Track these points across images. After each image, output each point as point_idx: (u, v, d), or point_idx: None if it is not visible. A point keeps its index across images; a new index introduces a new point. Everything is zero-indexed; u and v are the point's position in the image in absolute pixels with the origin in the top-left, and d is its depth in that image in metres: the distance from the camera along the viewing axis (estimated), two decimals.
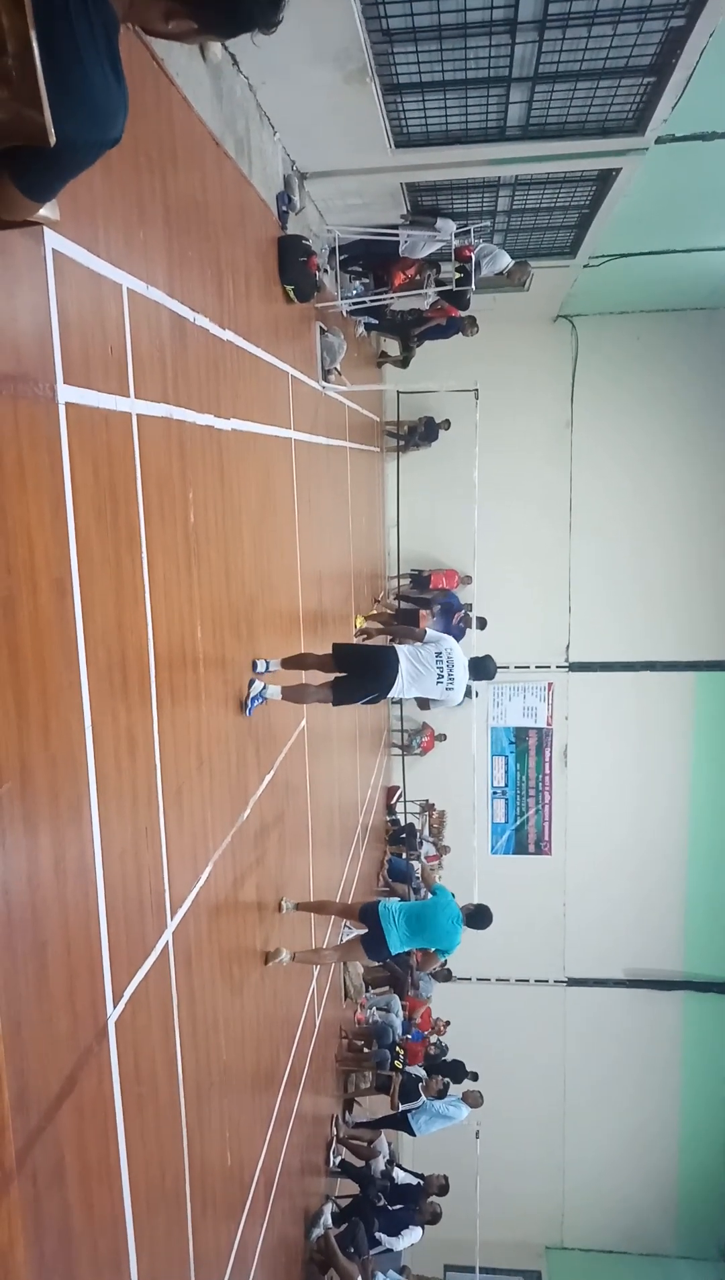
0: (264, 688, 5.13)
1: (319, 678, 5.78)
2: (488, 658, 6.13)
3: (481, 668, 5.96)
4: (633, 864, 15.22)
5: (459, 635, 13.28)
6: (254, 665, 5.22)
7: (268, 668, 5.32)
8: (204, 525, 4.23)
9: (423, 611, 13.24)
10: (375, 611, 11.78)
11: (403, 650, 5.59)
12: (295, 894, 6.40)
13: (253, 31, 1.52)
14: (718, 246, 10.46)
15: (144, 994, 3.25)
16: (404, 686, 5.51)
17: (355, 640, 6.50)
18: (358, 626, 10.41)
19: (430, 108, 6.95)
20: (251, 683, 5.06)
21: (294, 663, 5.60)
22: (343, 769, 9.29)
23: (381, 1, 5.55)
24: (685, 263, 11.00)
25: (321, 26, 5.41)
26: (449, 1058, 10.70)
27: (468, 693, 6.07)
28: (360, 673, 5.60)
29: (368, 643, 5.81)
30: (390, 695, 5.61)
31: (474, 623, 13.51)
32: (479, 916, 6.14)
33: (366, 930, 6.09)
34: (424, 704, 5.82)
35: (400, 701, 15.02)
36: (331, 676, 5.63)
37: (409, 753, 15.07)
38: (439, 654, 5.58)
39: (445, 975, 12.00)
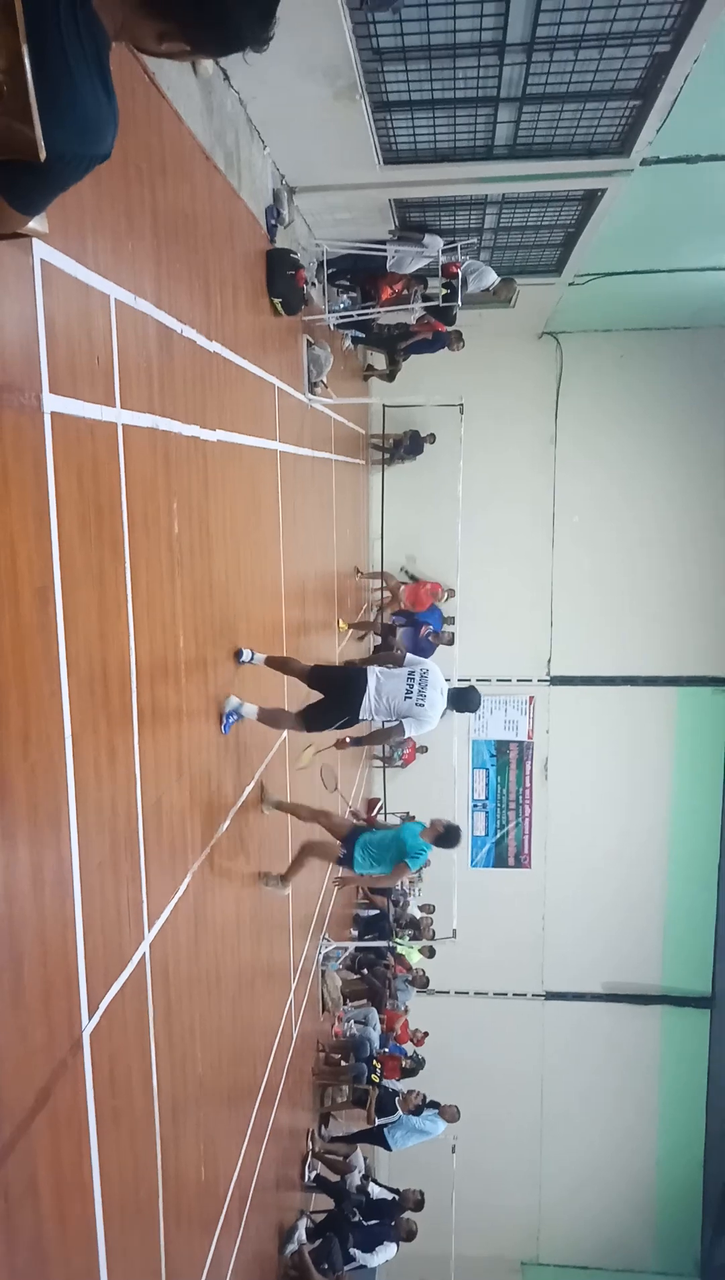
0: (240, 705, 5.09)
1: (294, 696, 5.82)
2: (471, 689, 6.07)
3: (463, 699, 5.88)
4: (612, 878, 15.25)
5: (428, 651, 13.35)
6: (239, 654, 5.24)
7: (252, 659, 5.35)
8: (188, 536, 4.23)
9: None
10: (357, 621, 11.83)
11: (373, 671, 5.62)
12: (277, 905, 6.38)
13: (244, 50, 1.53)
14: (701, 267, 10.58)
15: (120, 1006, 3.24)
16: (371, 703, 5.48)
17: (337, 662, 6.65)
18: (341, 630, 10.47)
19: (419, 126, 7.01)
20: (228, 699, 5.04)
21: (278, 663, 5.63)
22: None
23: (372, 20, 5.61)
24: (669, 283, 11.13)
25: (312, 44, 5.45)
26: (425, 1072, 10.67)
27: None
28: (331, 695, 5.63)
29: (346, 667, 5.87)
30: (361, 717, 5.59)
31: (447, 638, 13.60)
32: (448, 836, 6.13)
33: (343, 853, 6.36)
34: (398, 732, 5.66)
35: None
36: (304, 706, 5.72)
37: (390, 765, 15.06)
38: (411, 673, 5.58)
39: (423, 982, 11.98)
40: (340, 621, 10.59)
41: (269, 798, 5.99)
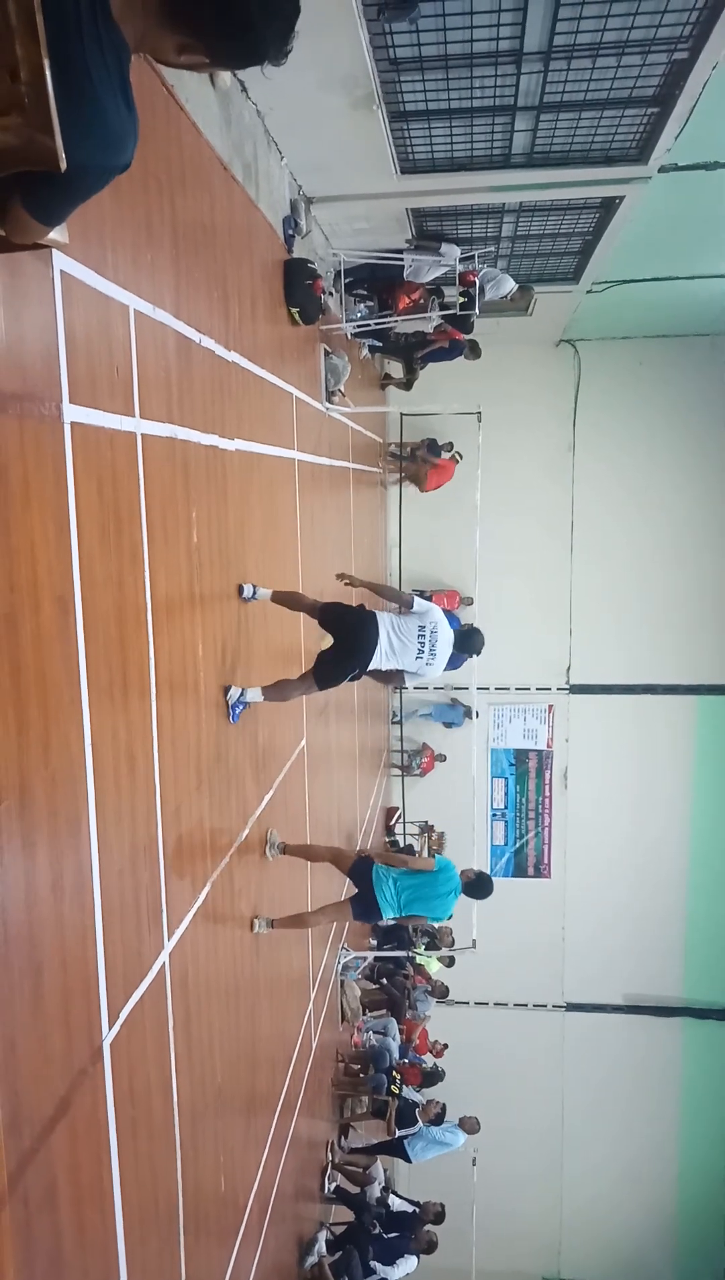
0: (242, 693, 4.92)
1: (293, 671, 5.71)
2: (475, 630, 6.04)
3: (468, 641, 5.86)
4: (632, 888, 15.13)
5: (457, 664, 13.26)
6: (240, 590, 4.97)
7: (255, 593, 5.10)
8: (207, 545, 4.24)
9: None
10: None
11: (385, 621, 5.38)
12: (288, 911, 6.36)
13: (263, 64, 1.54)
14: (720, 274, 10.54)
15: (140, 1015, 3.23)
16: (382, 658, 5.32)
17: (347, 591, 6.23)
18: None
19: (436, 135, 7.03)
20: (227, 689, 4.85)
21: (285, 598, 5.44)
22: (342, 789, 9.27)
23: (389, 31, 5.63)
24: (688, 289, 11.09)
25: (330, 55, 5.48)
26: (445, 1083, 10.59)
27: (478, 648, 5.95)
28: (342, 641, 5.38)
29: (359, 609, 5.55)
30: (371, 667, 5.40)
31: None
32: (479, 886, 5.96)
33: (357, 892, 5.92)
34: (397, 677, 5.58)
35: (400, 722, 15.02)
36: (313, 665, 5.41)
37: (409, 773, 15.02)
38: (422, 627, 5.38)
39: (442, 991, 11.91)
40: None
41: (275, 841, 5.75)
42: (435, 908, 5.88)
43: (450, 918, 6.10)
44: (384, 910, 5.80)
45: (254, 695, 4.99)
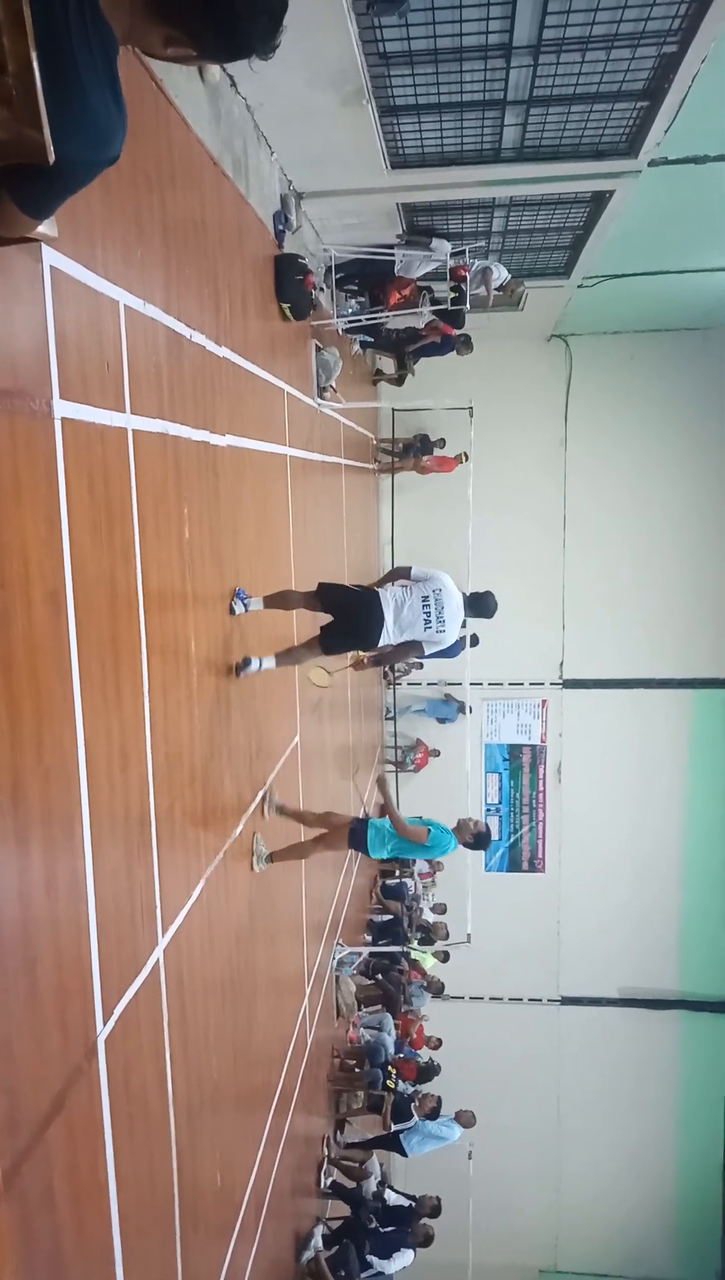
0: (259, 664, 5.08)
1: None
2: (488, 594, 5.86)
3: (481, 604, 5.74)
4: (627, 882, 15.17)
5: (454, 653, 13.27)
6: (231, 609, 4.92)
7: (247, 606, 5.02)
8: (199, 540, 4.24)
9: None
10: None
11: (388, 596, 5.33)
12: (290, 911, 6.37)
13: (250, 57, 1.54)
14: (711, 268, 10.55)
15: (134, 1012, 3.23)
16: (390, 635, 5.29)
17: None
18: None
19: (426, 129, 7.02)
20: (247, 664, 4.98)
21: (276, 601, 5.33)
22: (336, 785, 9.27)
23: (378, 25, 5.62)
24: (678, 284, 11.10)
25: (319, 50, 5.46)
26: (441, 1078, 10.62)
27: (471, 642, 5.85)
28: (344, 619, 5.35)
29: (358, 590, 5.55)
30: (379, 644, 5.44)
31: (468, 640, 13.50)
32: (478, 842, 5.98)
33: (352, 830, 6.06)
34: (415, 649, 5.54)
35: (394, 718, 15.02)
36: (319, 631, 5.42)
37: (402, 769, 15.04)
38: (426, 596, 5.31)
39: (438, 987, 11.93)
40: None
41: (273, 799, 5.82)
42: (431, 853, 6.05)
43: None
44: (372, 851, 5.93)
45: (268, 664, 5.23)
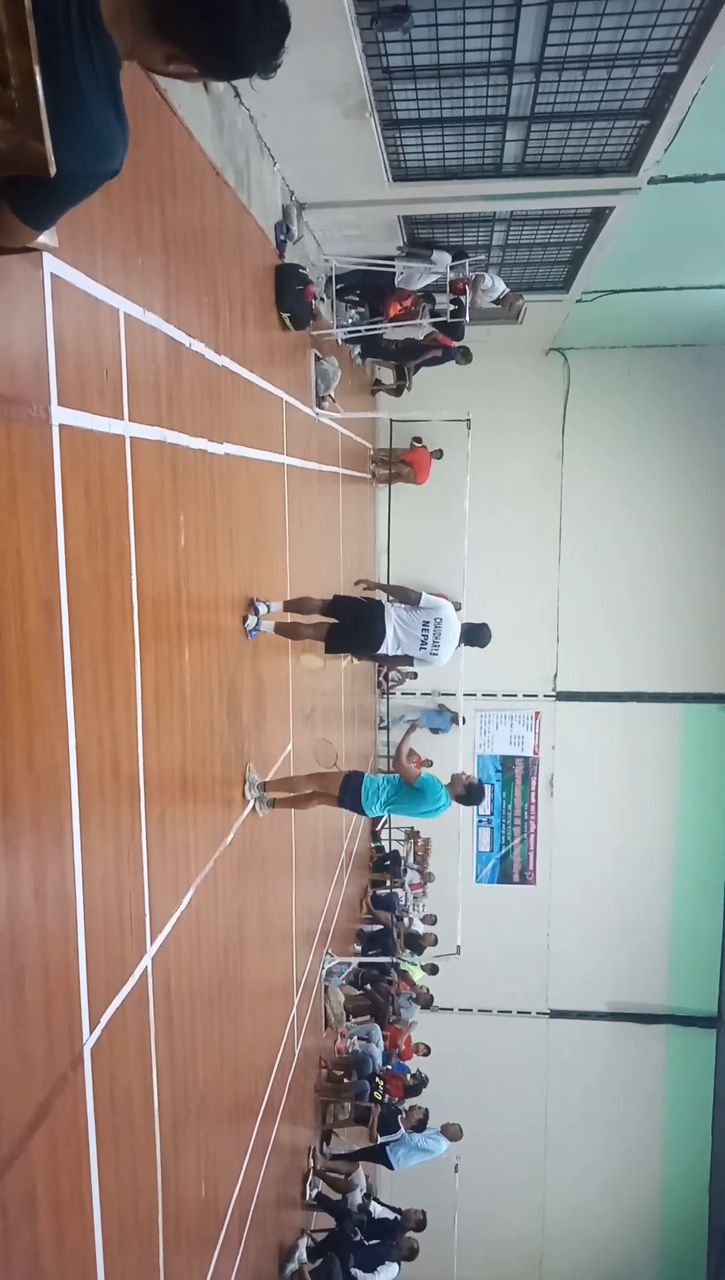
0: (258, 622, 5.38)
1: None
2: (483, 626, 6.30)
3: (475, 635, 6.21)
4: (617, 895, 15.17)
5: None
6: (253, 606, 5.35)
7: (268, 610, 5.47)
8: (195, 549, 4.24)
9: None
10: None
11: (394, 612, 5.86)
12: (280, 920, 6.34)
13: (251, 76, 1.55)
14: (708, 285, 10.62)
15: (121, 1020, 3.22)
16: (389, 647, 5.85)
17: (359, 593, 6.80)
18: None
19: (428, 143, 7.06)
20: (246, 618, 5.27)
21: (295, 605, 5.87)
22: None
23: (382, 40, 5.66)
24: (676, 300, 11.17)
25: (323, 63, 5.50)
26: (428, 1089, 10.58)
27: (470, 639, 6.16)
28: (353, 626, 5.89)
29: (368, 601, 6.12)
30: (378, 653, 5.96)
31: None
32: (471, 794, 5.84)
33: (344, 795, 5.87)
34: (408, 661, 6.11)
35: (387, 727, 15.02)
36: (327, 628, 5.90)
37: None
38: (427, 622, 5.83)
39: (427, 999, 11.90)
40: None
41: (252, 778, 5.46)
42: (423, 816, 5.97)
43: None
44: (368, 810, 5.85)
45: (267, 626, 5.51)
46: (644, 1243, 15.29)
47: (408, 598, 6.00)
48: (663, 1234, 15.29)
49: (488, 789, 6.09)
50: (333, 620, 5.94)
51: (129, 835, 3.36)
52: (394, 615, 5.85)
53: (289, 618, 6.03)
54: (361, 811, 5.88)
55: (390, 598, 6.23)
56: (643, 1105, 15.20)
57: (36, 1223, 2.59)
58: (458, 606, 13.95)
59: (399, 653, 5.90)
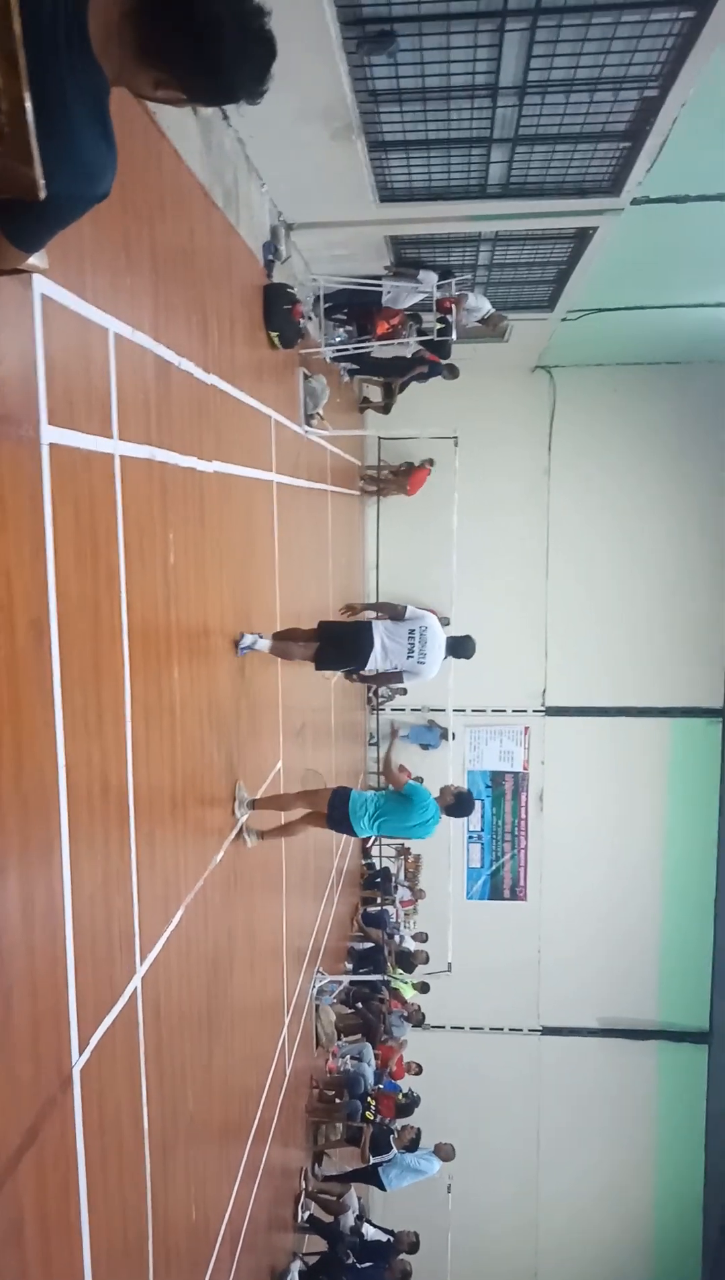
0: (255, 641, 5.52)
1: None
2: (468, 638, 6.40)
3: (460, 647, 6.32)
4: (608, 910, 15.15)
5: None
6: (241, 638, 5.46)
7: (255, 644, 5.57)
8: (184, 567, 4.24)
9: None
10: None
11: (380, 626, 6.02)
12: (270, 938, 6.31)
13: (238, 102, 1.57)
14: (691, 304, 10.74)
15: (110, 1042, 3.19)
16: (378, 661, 6.00)
17: (342, 617, 7.11)
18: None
19: (414, 165, 7.14)
20: (243, 640, 5.45)
21: (283, 637, 6.02)
22: None
23: (368, 64, 5.73)
24: (659, 318, 11.29)
25: (310, 86, 5.57)
26: (420, 1109, 10.51)
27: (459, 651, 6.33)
28: (339, 643, 6.06)
29: (350, 619, 6.37)
30: (367, 668, 6.08)
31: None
32: (459, 807, 5.75)
33: (332, 810, 5.75)
34: (398, 678, 6.33)
35: (377, 744, 15.01)
36: (315, 649, 6.04)
37: None
38: (412, 631, 5.97)
39: (419, 1018, 11.84)
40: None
41: (241, 796, 5.37)
42: (412, 834, 5.81)
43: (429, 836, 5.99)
44: (357, 828, 5.70)
45: (263, 645, 5.62)
46: (638, 1259, 15.18)
47: (393, 611, 6.11)
48: (656, 1250, 15.19)
49: (478, 803, 5.99)
50: (320, 640, 6.06)
51: (118, 854, 3.35)
52: (381, 628, 5.99)
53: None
54: (351, 830, 5.75)
55: (377, 615, 6.31)
56: (635, 1122, 15.13)
57: (24, 1247, 2.56)
58: (446, 622, 14.12)
59: (388, 666, 6.02)
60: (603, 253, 8.70)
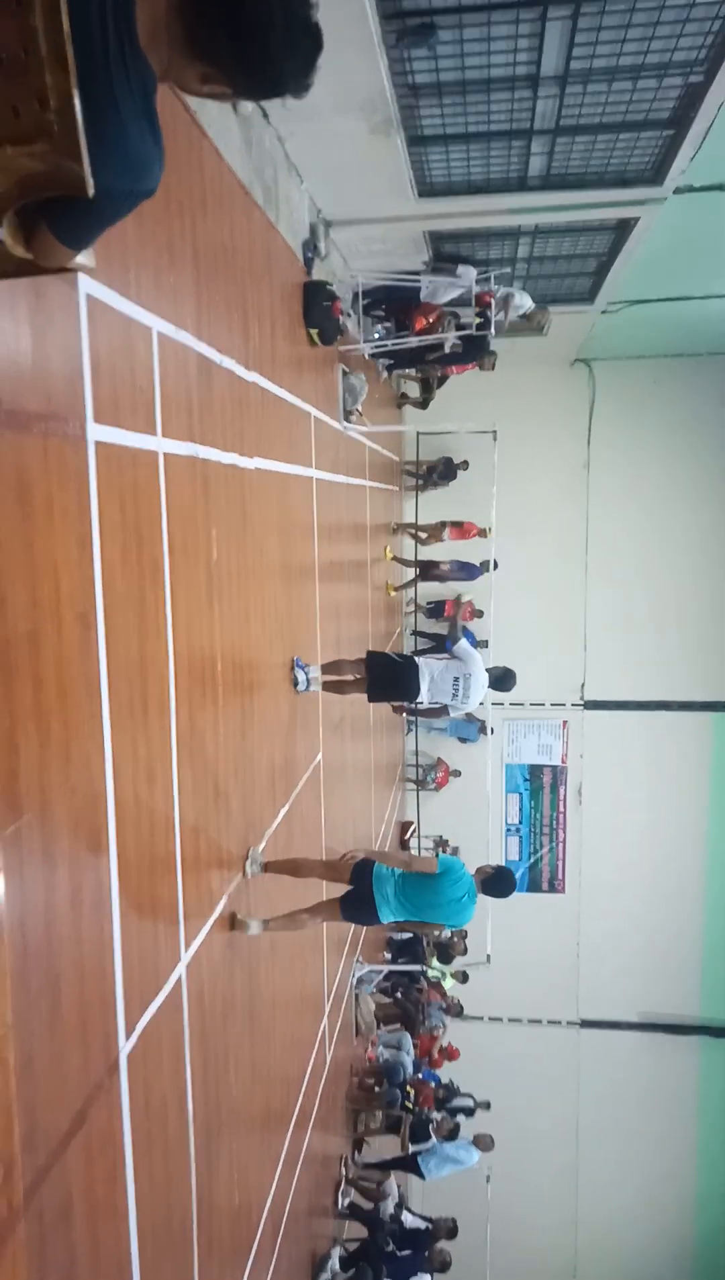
0: (307, 681, 5.99)
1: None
2: (509, 673, 6.84)
3: (501, 682, 6.77)
4: (648, 904, 15.01)
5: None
6: (296, 677, 5.90)
7: (310, 686, 6.05)
8: (226, 562, 4.29)
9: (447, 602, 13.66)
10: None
11: (425, 668, 6.40)
12: (311, 928, 6.34)
13: (285, 95, 1.58)
14: None
15: (156, 1028, 3.25)
16: (425, 698, 6.52)
17: (388, 651, 7.75)
18: (387, 558, 12.00)
19: (453, 158, 7.10)
20: (295, 672, 5.91)
21: (331, 668, 6.46)
22: (357, 802, 9.27)
23: (408, 58, 5.71)
24: (702, 309, 11.11)
25: (349, 81, 5.56)
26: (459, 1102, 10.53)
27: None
28: (391, 680, 6.50)
29: (401, 659, 6.79)
30: (413, 703, 6.72)
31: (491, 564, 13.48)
32: (498, 882, 5.15)
33: (349, 889, 5.13)
34: (442, 712, 6.93)
35: (414, 731, 15.00)
36: (368, 681, 6.56)
37: (423, 788, 14.99)
38: (457, 678, 6.40)
39: (457, 1009, 11.84)
40: (387, 551, 12.24)
41: (254, 855, 4.82)
42: (446, 914, 5.00)
43: (467, 922, 5.23)
44: (382, 912, 4.97)
45: (316, 682, 6.18)
46: (678, 1255, 15.05)
47: (453, 634, 6.92)
48: (696, 1247, 15.05)
49: (515, 878, 5.26)
50: (370, 675, 6.55)
51: (163, 844, 3.40)
52: (428, 673, 6.38)
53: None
54: (373, 911, 4.99)
55: (422, 648, 6.80)
56: (676, 1117, 14.99)
57: (72, 1230, 2.62)
58: (481, 614, 14.03)
59: (433, 703, 6.56)
60: (644, 243, 8.59)
